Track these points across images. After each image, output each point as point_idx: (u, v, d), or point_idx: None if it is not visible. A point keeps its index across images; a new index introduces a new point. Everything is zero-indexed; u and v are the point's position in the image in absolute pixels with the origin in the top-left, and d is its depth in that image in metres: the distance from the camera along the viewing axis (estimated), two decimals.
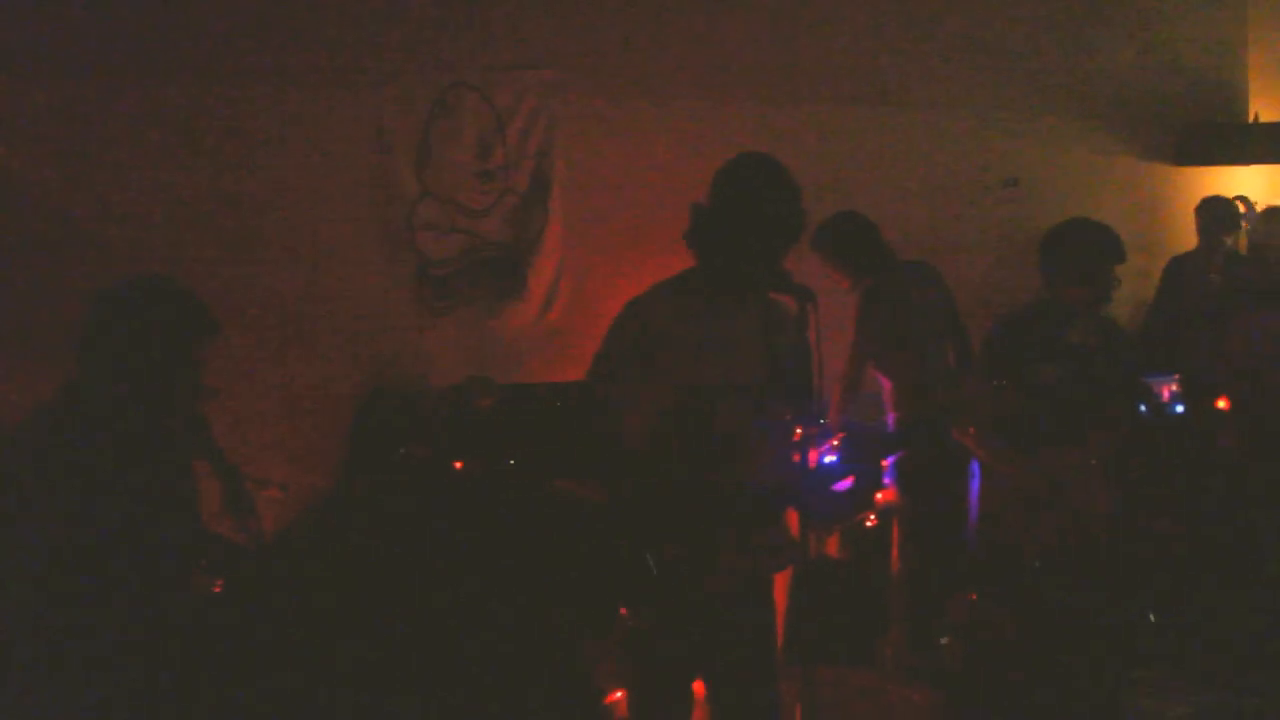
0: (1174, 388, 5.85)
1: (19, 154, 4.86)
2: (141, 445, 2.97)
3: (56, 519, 2.81)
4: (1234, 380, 5.50)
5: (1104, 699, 4.53)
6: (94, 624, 2.83)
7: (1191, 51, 7.97)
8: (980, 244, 7.01)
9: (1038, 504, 4.48)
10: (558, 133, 5.87)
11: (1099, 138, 7.56)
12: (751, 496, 3.32)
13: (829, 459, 4.60)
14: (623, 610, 3.39)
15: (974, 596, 4.79)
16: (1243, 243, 7.29)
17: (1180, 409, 5.99)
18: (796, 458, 3.46)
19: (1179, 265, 7.13)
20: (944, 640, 4.92)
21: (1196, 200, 7.20)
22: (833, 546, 5.37)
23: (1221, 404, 5.59)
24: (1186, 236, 7.33)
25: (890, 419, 5.47)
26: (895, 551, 5.35)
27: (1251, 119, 8.09)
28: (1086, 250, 4.55)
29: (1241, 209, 7.24)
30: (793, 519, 3.66)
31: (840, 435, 4.87)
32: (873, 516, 5.28)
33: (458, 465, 4.89)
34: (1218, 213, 7.01)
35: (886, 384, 5.49)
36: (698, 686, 3.52)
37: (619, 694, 4.17)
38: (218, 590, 3.11)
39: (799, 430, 3.46)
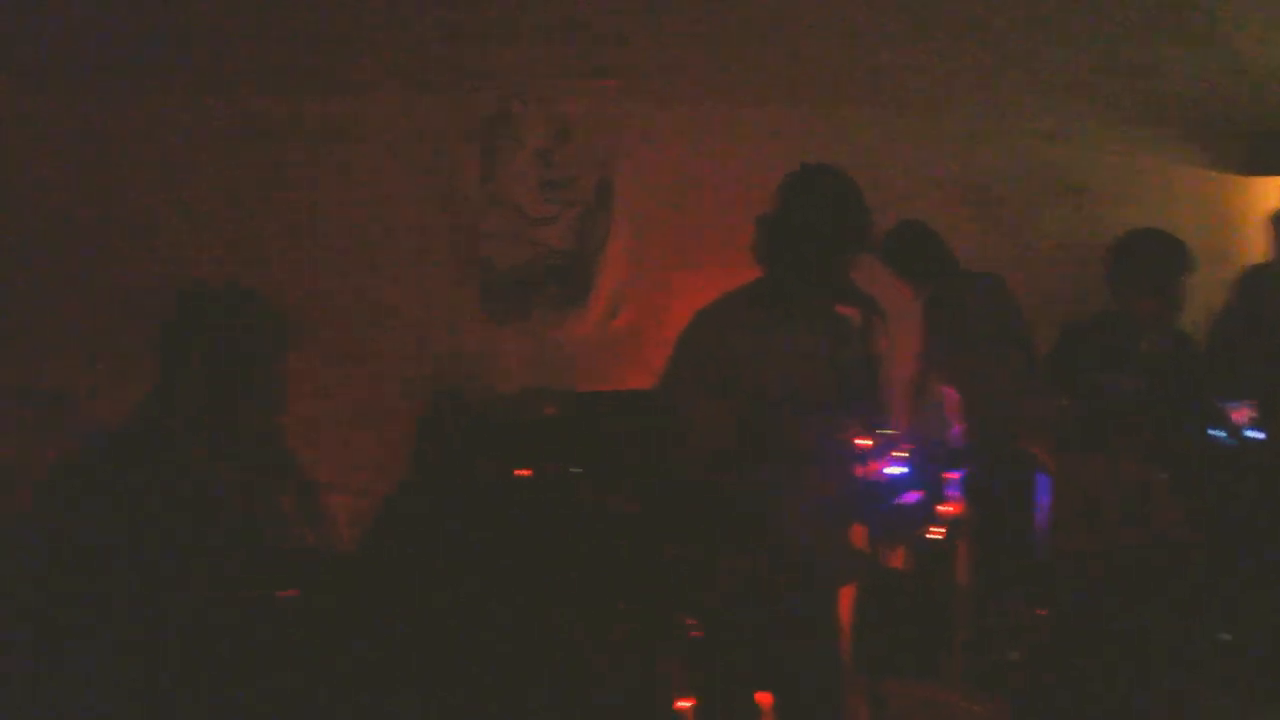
0: (1251, 412, 5.65)
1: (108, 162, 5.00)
2: (223, 451, 3.00)
3: (146, 525, 2.84)
4: None
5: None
6: (167, 628, 2.87)
7: (1262, 58, 7.84)
8: (1044, 254, 6.94)
9: (1107, 519, 4.42)
10: (621, 142, 5.89)
11: (1166, 146, 7.46)
12: (816, 509, 3.32)
13: (894, 471, 4.57)
14: (688, 620, 3.39)
15: (1042, 611, 4.74)
16: None
17: (1259, 434, 5.77)
18: (862, 470, 3.45)
19: (1255, 277, 6.98)
20: (1011, 655, 4.86)
21: (1268, 211, 7.08)
22: (898, 559, 5.33)
23: None
24: (1257, 248, 7.20)
25: (956, 431, 5.42)
26: (961, 564, 5.30)
27: None
28: (1156, 260, 4.49)
29: None
30: (859, 532, 3.65)
31: (906, 447, 4.83)
32: (939, 529, 5.23)
33: (522, 474, 4.90)
34: None
35: (952, 395, 5.45)
36: (765, 698, 3.51)
37: (689, 702, 4.16)
38: (292, 598, 3.14)
39: (864, 442, 3.45)
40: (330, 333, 5.35)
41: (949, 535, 5.24)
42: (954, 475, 5.17)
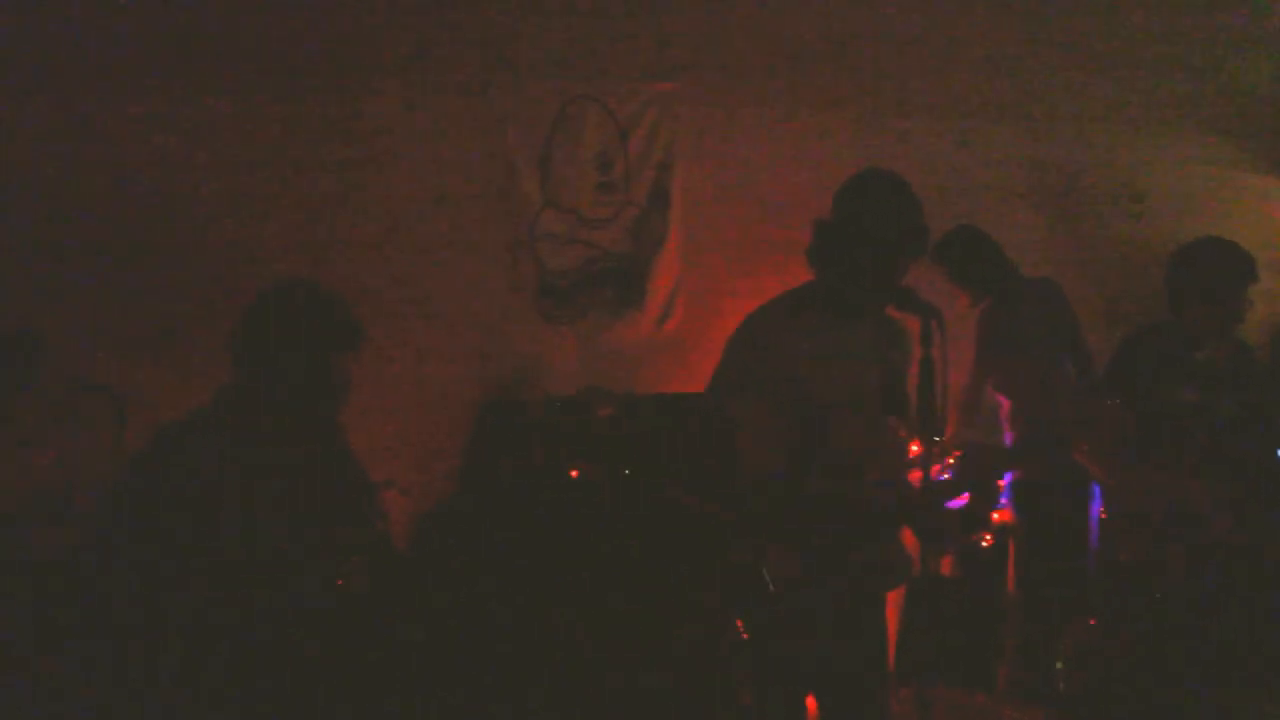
0: None
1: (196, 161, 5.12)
2: (296, 447, 3.06)
3: (225, 520, 2.89)
4: None
5: None
6: (244, 626, 2.92)
7: None
8: (1103, 260, 6.88)
9: (1160, 530, 4.38)
10: (678, 145, 5.91)
11: (1228, 152, 7.35)
12: (866, 513, 3.31)
13: (945, 476, 4.55)
14: (738, 622, 3.41)
15: (1092, 620, 4.71)
16: None
17: None
18: (912, 475, 3.44)
19: None
20: (1059, 664, 4.83)
21: None
22: (946, 565, 5.31)
23: None
24: None
25: (1009, 437, 5.39)
26: (1011, 572, 5.27)
27: None
28: (1217, 269, 4.42)
29: None
30: (908, 536, 3.64)
31: (957, 453, 4.81)
32: (989, 536, 5.21)
33: (575, 474, 4.94)
34: None
35: (1005, 402, 5.42)
36: (811, 703, 3.52)
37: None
38: (364, 588, 3.17)
39: (915, 447, 3.44)
40: (386, 331, 5.41)
41: (998, 542, 5.23)
42: (1004, 483, 5.15)
